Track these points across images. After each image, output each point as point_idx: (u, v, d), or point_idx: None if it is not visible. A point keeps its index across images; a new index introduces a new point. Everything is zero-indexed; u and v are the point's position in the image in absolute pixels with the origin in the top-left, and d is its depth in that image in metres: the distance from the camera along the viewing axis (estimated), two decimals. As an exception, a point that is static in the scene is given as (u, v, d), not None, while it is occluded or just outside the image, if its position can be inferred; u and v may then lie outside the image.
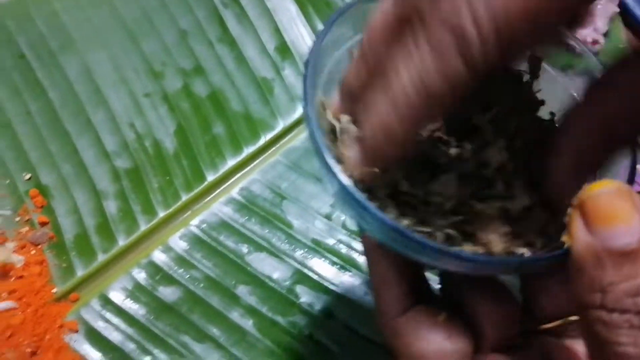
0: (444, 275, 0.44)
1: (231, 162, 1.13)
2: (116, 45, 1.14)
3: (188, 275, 0.86)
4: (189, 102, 1.15)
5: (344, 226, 0.96)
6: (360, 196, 0.34)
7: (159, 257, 0.89)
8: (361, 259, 0.88)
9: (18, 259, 0.76)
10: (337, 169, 0.35)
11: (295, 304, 0.83)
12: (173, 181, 1.08)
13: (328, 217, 0.99)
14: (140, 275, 0.85)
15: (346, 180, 0.35)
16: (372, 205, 0.34)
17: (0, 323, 0.70)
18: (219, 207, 1.07)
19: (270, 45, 1.21)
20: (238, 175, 1.12)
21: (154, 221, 1.01)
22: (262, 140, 1.15)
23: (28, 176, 1.01)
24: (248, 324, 0.81)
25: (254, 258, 0.87)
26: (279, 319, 0.81)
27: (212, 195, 1.09)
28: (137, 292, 0.82)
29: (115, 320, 0.80)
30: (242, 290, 0.82)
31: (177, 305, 0.81)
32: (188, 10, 1.20)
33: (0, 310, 0.71)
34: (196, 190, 1.08)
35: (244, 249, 0.89)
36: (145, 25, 1.17)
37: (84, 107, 1.09)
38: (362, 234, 0.42)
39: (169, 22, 1.18)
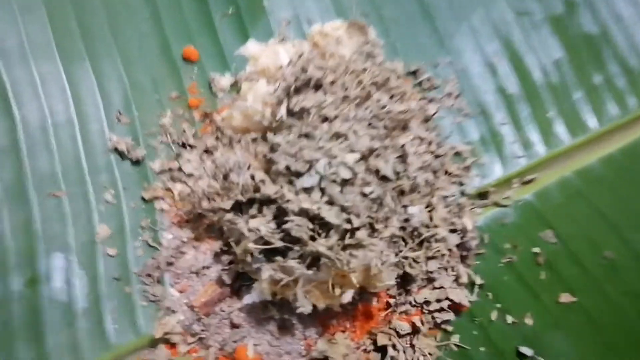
0: None
1: (613, 115, 0.92)
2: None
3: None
4: (573, 34, 0.95)
5: None
6: None
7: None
8: None
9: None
10: None
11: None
12: (549, 118, 0.90)
13: None
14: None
15: None
16: None
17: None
18: (597, 165, 0.87)
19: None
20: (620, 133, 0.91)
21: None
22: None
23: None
24: None
25: None
26: None
27: (591, 148, 0.89)
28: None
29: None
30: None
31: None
32: None
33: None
34: (578, 139, 0.89)
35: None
36: None
37: (455, 4, 0.94)
38: None
39: None
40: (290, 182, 0.64)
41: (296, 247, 0.62)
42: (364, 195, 0.64)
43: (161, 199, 0.74)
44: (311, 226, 0.62)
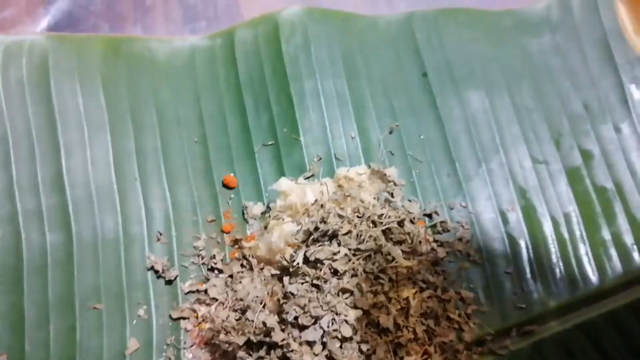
0: None
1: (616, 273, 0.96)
2: (520, 92, 1.06)
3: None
4: (587, 186, 1.01)
5: None
6: None
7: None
8: None
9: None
10: None
11: None
12: (554, 270, 0.97)
13: None
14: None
15: None
16: None
17: None
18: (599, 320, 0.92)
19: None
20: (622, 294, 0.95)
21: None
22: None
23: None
24: None
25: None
26: None
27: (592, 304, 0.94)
28: None
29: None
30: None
31: None
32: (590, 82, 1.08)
33: None
34: (578, 294, 0.94)
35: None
36: (559, 82, 1.07)
37: (477, 147, 1.02)
38: None
39: (573, 90, 1.07)
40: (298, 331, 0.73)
41: None
42: (361, 352, 0.72)
43: (186, 319, 0.84)
44: None
